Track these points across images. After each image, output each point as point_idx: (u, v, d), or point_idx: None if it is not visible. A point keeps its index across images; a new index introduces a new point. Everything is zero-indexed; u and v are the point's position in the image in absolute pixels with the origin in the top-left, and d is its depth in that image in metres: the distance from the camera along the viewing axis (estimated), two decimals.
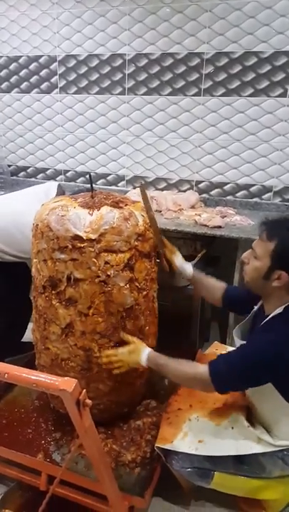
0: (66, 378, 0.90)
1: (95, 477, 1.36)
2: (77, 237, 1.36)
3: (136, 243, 1.43)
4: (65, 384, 0.89)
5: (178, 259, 1.67)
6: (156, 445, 1.44)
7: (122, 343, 1.46)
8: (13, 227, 1.81)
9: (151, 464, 1.49)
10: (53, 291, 1.44)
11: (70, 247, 1.37)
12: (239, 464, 1.38)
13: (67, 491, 1.48)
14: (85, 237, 1.35)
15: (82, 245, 1.36)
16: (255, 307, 1.47)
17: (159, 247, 1.59)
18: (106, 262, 1.38)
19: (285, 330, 1.25)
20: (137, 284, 1.46)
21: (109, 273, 1.39)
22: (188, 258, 2.14)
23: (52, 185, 1.95)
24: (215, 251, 2.39)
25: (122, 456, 1.52)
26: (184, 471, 1.41)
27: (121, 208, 1.45)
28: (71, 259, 1.38)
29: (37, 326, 1.57)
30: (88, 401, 0.94)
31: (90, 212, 1.40)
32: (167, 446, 1.42)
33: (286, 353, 1.21)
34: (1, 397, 1.84)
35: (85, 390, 0.93)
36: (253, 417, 1.45)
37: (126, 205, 1.49)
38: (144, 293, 1.50)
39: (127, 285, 1.43)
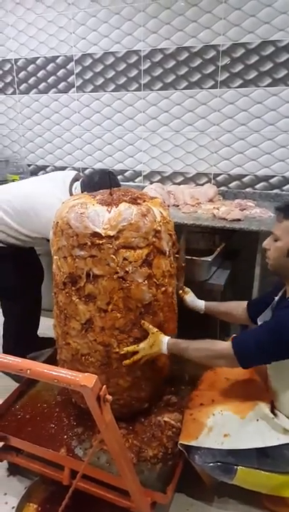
0: (87, 374, 0.90)
1: (117, 472, 1.37)
2: (96, 234, 1.37)
3: (154, 239, 1.42)
4: (86, 380, 0.89)
5: (189, 298, 1.79)
6: (180, 442, 1.43)
7: (142, 339, 1.46)
8: (30, 209, 1.88)
9: (173, 460, 1.48)
10: (73, 288, 1.45)
11: (89, 243, 1.38)
12: (263, 457, 1.36)
13: (90, 486, 1.48)
14: (103, 234, 1.36)
15: (100, 242, 1.37)
16: (276, 297, 1.46)
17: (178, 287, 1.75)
18: (124, 259, 1.38)
19: None
20: (155, 280, 1.46)
21: (127, 269, 1.39)
22: (207, 252, 2.14)
23: (70, 174, 2.00)
24: (234, 244, 2.35)
25: (144, 452, 1.51)
26: (207, 466, 1.39)
27: (139, 204, 1.44)
28: (90, 256, 1.39)
29: (58, 321, 1.58)
30: (109, 397, 0.93)
31: (109, 209, 1.40)
32: (192, 443, 1.40)
33: None
34: (25, 392, 1.86)
35: (105, 386, 0.93)
36: (276, 408, 1.43)
37: (144, 201, 1.48)
38: (163, 289, 1.49)
39: (146, 281, 1.42)
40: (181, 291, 1.79)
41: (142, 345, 1.44)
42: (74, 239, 1.40)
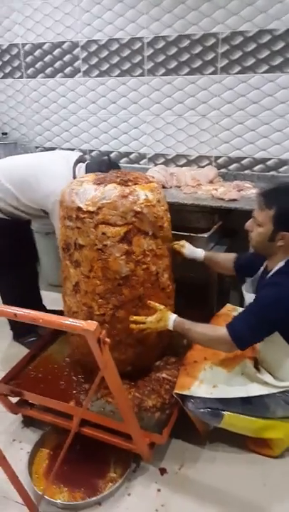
0: (89, 321, 1.09)
1: (120, 419, 1.57)
2: (79, 209, 1.55)
3: (133, 219, 1.54)
4: (89, 325, 1.07)
5: (187, 250, 1.88)
6: (174, 391, 1.62)
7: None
8: (32, 178, 1.99)
9: (170, 409, 1.68)
10: (68, 253, 1.68)
11: (74, 216, 1.58)
12: (247, 404, 1.56)
13: (96, 432, 1.68)
14: (85, 209, 1.54)
15: (83, 216, 1.55)
16: (262, 268, 1.63)
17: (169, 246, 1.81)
18: (103, 233, 1.54)
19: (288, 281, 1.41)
20: (134, 257, 1.58)
21: (105, 243, 1.55)
22: (206, 230, 2.29)
23: (74, 154, 2.13)
24: (233, 223, 2.49)
25: (144, 403, 1.71)
26: (198, 412, 1.59)
27: (128, 186, 1.58)
28: (76, 227, 1.59)
29: (62, 280, 1.80)
30: (107, 339, 1.11)
31: (96, 188, 1.56)
32: (185, 392, 1.59)
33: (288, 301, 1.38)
34: (37, 355, 2.05)
35: (104, 331, 1.11)
36: (259, 364, 1.61)
37: (136, 184, 1.61)
38: (144, 266, 1.62)
39: (123, 256, 1.57)
40: (177, 246, 1.88)
41: (149, 318, 1.60)
42: (66, 211, 1.61)
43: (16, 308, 1.12)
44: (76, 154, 2.14)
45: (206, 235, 2.16)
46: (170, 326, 1.59)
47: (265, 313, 1.43)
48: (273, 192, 1.45)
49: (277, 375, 1.56)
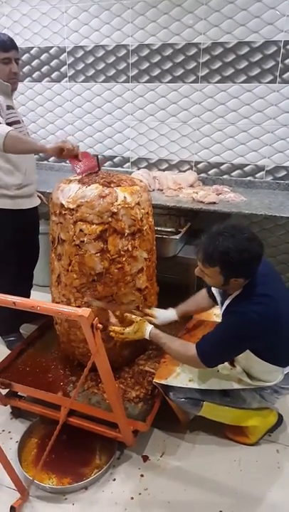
0: (83, 308, 1.18)
1: (105, 409, 1.68)
2: (61, 205, 1.66)
3: (109, 219, 1.61)
4: (83, 312, 1.16)
5: (158, 320, 1.88)
6: (154, 381, 1.73)
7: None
8: None
9: (152, 399, 1.78)
10: (53, 246, 1.78)
11: (58, 212, 1.68)
12: (224, 396, 1.68)
13: (83, 421, 1.76)
14: (66, 206, 1.64)
15: (64, 212, 1.65)
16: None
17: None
18: (80, 230, 1.63)
19: (247, 308, 1.49)
20: (109, 255, 1.66)
21: (82, 239, 1.64)
22: (173, 233, 2.40)
23: None
24: (198, 224, 2.57)
25: (128, 394, 1.81)
26: (179, 401, 1.70)
27: (110, 187, 1.65)
28: (59, 222, 1.69)
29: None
30: (99, 325, 1.20)
31: (80, 187, 1.65)
32: (162, 382, 1.70)
33: (251, 327, 1.49)
34: (25, 350, 2.13)
35: (97, 318, 1.20)
36: (235, 362, 1.73)
37: (118, 186, 1.68)
38: (119, 266, 1.69)
39: (98, 254, 1.65)
40: (148, 319, 1.86)
41: (127, 329, 1.72)
42: (53, 206, 1.72)
43: (15, 297, 1.20)
44: None
45: (177, 237, 2.28)
46: (147, 336, 1.72)
47: (229, 340, 1.54)
48: (212, 252, 1.47)
49: (251, 374, 1.67)
